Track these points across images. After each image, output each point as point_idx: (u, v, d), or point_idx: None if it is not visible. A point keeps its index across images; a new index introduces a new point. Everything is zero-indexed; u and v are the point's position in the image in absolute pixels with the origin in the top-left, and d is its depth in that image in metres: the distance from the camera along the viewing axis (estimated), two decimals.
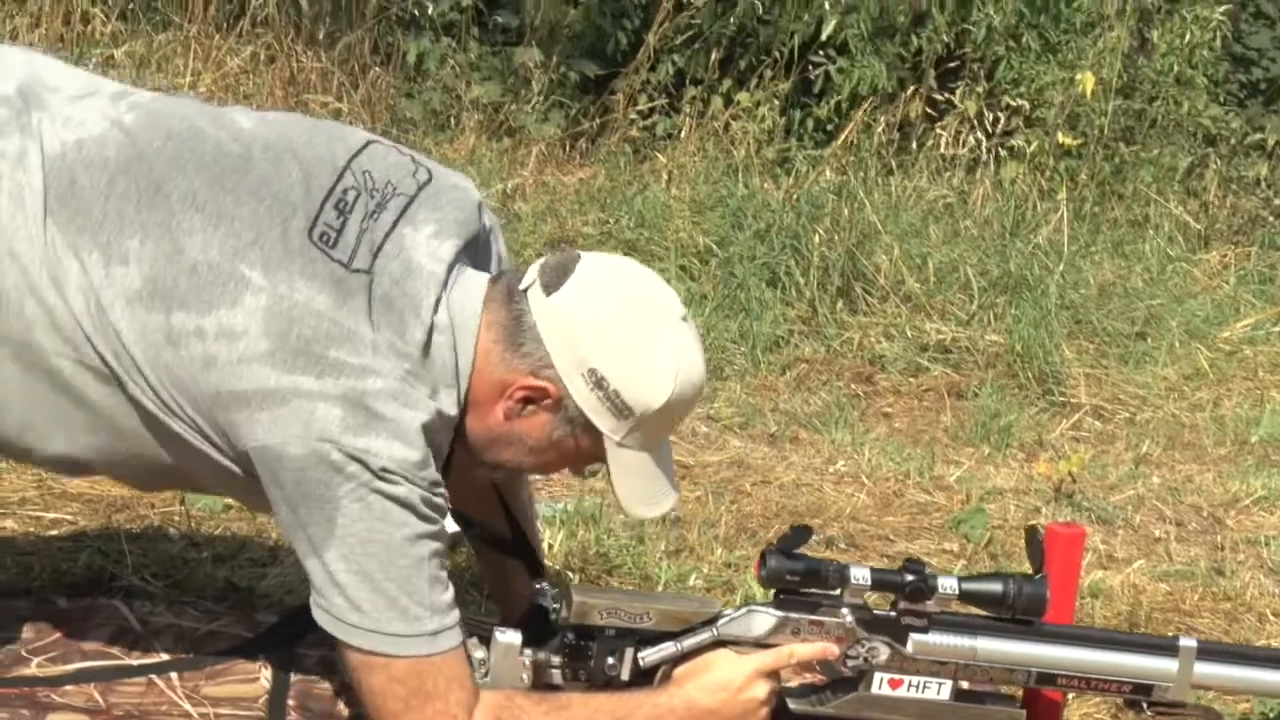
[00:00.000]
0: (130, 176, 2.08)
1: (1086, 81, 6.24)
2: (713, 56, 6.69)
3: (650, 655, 2.25)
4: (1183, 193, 6.83)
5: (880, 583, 2.28)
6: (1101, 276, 5.57)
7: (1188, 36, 6.92)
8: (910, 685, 2.31)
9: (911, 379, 4.75)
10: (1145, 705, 2.39)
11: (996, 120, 6.45)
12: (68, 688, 2.32)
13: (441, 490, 2.10)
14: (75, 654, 2.43)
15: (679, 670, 2.24)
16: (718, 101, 6.48)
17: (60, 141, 2.09)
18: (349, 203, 2.14)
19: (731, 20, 6.87)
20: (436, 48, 6.78)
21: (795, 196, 5.50)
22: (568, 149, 6.53)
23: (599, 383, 2.15)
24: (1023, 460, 4.16)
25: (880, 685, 2.31)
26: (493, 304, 2.17)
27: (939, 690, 2.32)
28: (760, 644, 2.25)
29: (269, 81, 6.18)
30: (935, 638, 2.30)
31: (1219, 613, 3.23)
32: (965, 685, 2.34)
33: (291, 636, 2.49)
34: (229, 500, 3.16)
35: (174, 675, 2.39)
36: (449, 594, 2.12)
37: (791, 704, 2.32)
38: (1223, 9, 7.00)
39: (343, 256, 2.08)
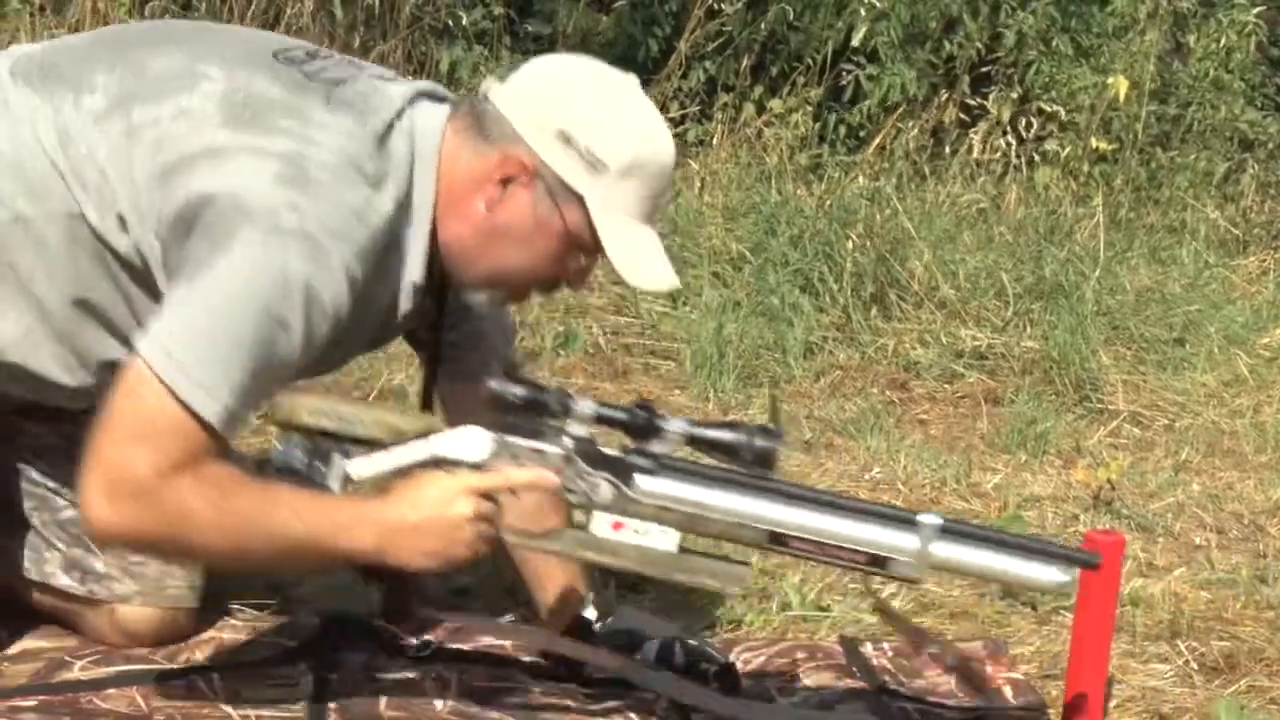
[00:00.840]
0: (104, 45, 2.25)
1: (1120, 86, 6.20)
2: (744, 63, 6.69)
3: (361, 465, 2.18)
4: (1219, 198, 6.82)
5: (605, 417, 2.17)
6: (1138, 282, 5.54)
7: (1223, 40, 6.90)
8: (633, 529, 2.19)
9: (947, 386, 4.74)
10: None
11: (1030, 125, 6.45)
12: (110, 691, 2.33)
13: (337, 292, 2.08)
14: (118, 658, 2.44)
15: (390, 486, 2.17)
16: (750, 108, 6.48)
17: (39, 46, 2.29)
18: (315, 53, 2.26)
19: (763, 27, 6.87)
20: (469, 56, 6.80)
21: (828, 203, 5.49)
22: None
23: (568, 140, 2.17)
24: (1060, 467, 4.13)
25: (601, 526, 2.19)
26: (457, 117, 2.22)
27: (663, 539, 2.19)
28: (478, 469, 2.16)
29: None
30: (662, 482, 2.17)
31: (1262, 621, 3.20)
32: (693, 538, 2.21)
33: (333, 640, 2.51)
34: None
35: (216, 678, 2.40)
36: (255, 396, 2.08)
37: (508, 536, 2.22)
38: (1258, 10, 6.98)
39: (305, 70, 2.18)
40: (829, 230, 5.22)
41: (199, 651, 2.50)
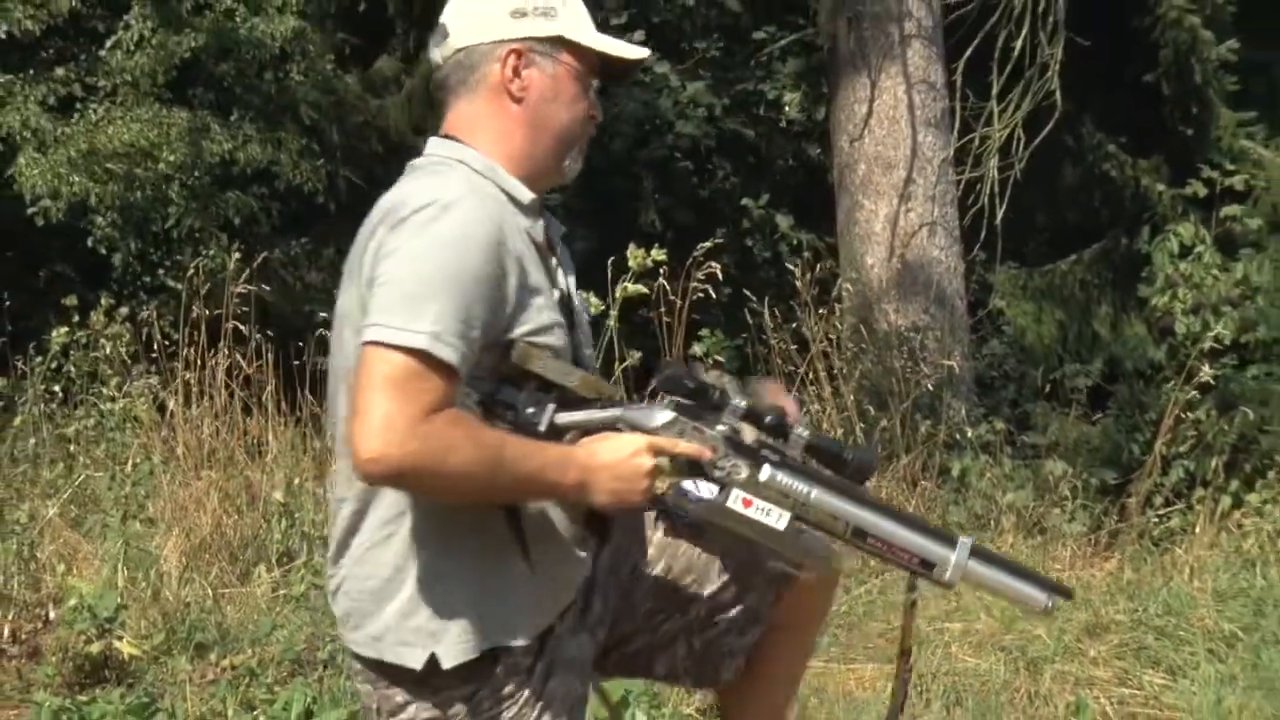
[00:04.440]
0: None
1: None
2: (1216, 462, 6.39)
3: (565, 417, 2.26)
4: None
5: (749, 414, 2.32)
6: None
7: None
8: (758, 508, 2.32)
9: None
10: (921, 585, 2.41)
11: None
12: None
13: (477, 215, 2.19)
14: None
15: (585, 439, 2.26)
16: (1227, 500, 6.13)
17: None
18: None
19: (1231, 430, 6.60)
20: (976, 464, 6.77)
21: None
22: (1094, 544, 6.31)
23: (521, 13, 2.30)
24: None
25: (735, 500, 2.31)
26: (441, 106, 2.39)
27: (778, 519, 2.32)
28: (654, 434, 2.29)
29: None
30: (783, 475, 2.31)
31: None
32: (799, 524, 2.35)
33: None
34: None
35: None
36: (464, 328, 2.11)
37: (673, 496, 2.35)
38: None
39: None
40: None
41: None
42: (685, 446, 2.29)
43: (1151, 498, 6.32)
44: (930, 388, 7.23)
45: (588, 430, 2.28)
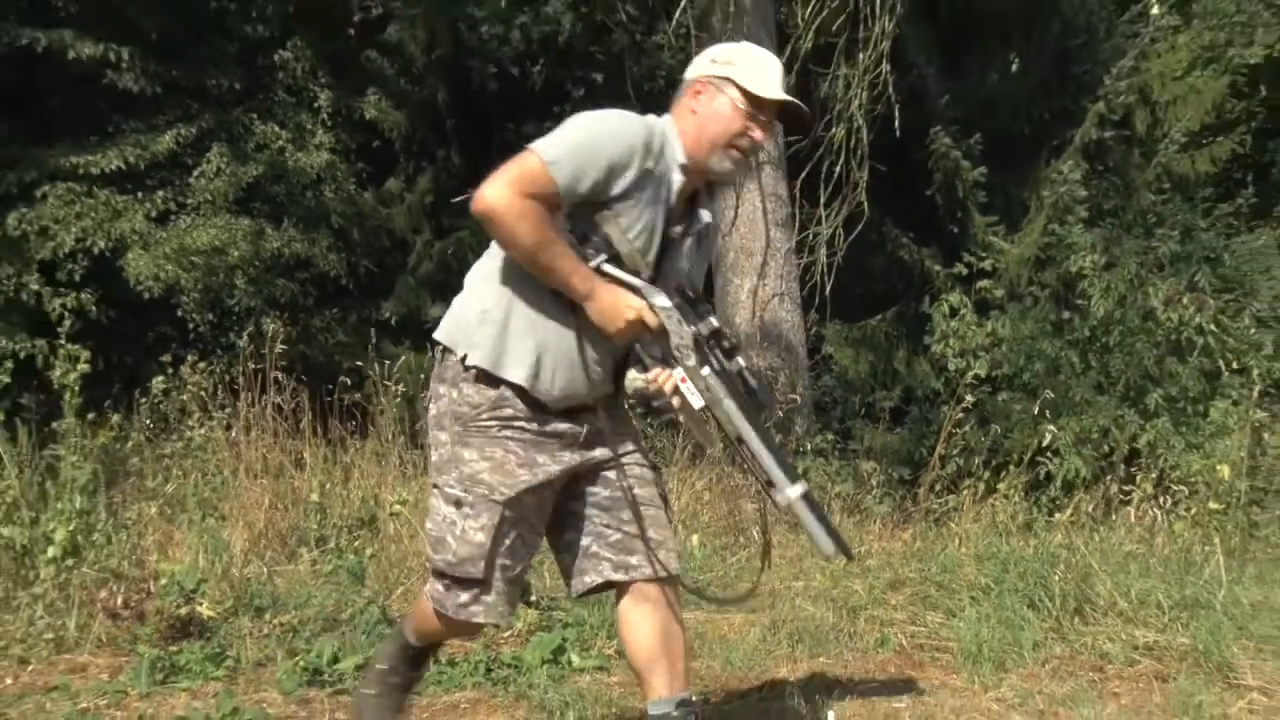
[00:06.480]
0: None
1: (1223, 470, 5.74)
2: (976, 460, 6.51)
3: (608, 268, 2.38)
4: None
5: (716, 331, 2.42)
6: (1251, 597, 4.94)
7: None
8: (689, 387, 2.40)
9: (1129, 668, 4.28)
10: (765, 497, 2.43)
11: (1166, 500, 5.96)
12: None
13: (634, 134, 2.41)
14: None
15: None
16: (983, 487, 6.24)
17: None
18: None
19: (986, 439, 6.73)
20: (814, 464, 6.86)
21: (1039, 550, 5.18)
22: (895, 521, 6.42)
23: (713, 60, 2.53)
24: None
25: (678, 373, 2.40)
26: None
27: (696, 401, 2.39)
28: (651, 306, 2.41)
29: None
30: (714, 378, 2.39)
31: None
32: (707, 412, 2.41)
33: None
34: None
35: None
36: (580, 175, 2.33)
37: (645, 341, 2.40)
38: None
39: None
40: (1042, 568, 4.88)
41: None
42: (655, 322, 2.42)
43: (934, 486, 6.40)
44: (782, 411, 7.32)
45: (617, 281, 2.41)
